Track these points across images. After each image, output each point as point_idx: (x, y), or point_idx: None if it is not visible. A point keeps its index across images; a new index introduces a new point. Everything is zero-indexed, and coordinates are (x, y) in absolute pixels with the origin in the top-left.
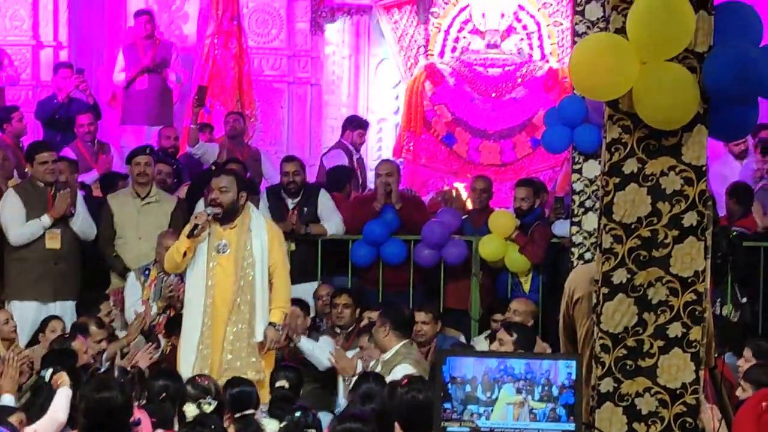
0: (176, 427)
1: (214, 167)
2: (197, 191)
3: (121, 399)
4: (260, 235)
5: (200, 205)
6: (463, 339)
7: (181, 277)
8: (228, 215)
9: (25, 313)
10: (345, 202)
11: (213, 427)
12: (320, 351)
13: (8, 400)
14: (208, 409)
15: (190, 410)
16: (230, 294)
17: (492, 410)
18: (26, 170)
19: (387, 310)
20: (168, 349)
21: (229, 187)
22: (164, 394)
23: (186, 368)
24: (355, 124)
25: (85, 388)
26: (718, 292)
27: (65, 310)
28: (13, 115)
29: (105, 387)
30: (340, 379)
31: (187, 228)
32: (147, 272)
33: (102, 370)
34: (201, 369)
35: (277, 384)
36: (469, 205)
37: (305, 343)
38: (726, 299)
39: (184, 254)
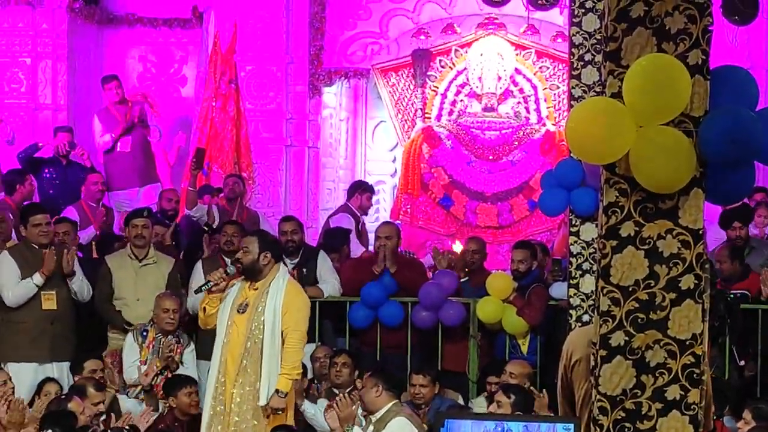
0: None
1: (206, 228)
2: (194, 253)
3: None
4: (276, 297)
5: (198, 267)
6: (461, 400)
7: (179, 338)
8: (251, 275)
9: (22, 375)
10: (342, 263)
11: None
12: (321, 416)
13: None
14: None
15: None
16: (237, 355)
17: None
18: (21, 233)
19: (377, 371)
20: (166, 411)
21: (250, 248)
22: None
23: (203, 424)
24: (363, 188)
25: None
26: (717, 355)
27: (62, 370)
28: (27, 177)
29: None
30: None
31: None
32: (145, 333)
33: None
34: (215, 426)
35: None
36: None
37: (308, 408)
38: (724, 362)
39: (204, 310)
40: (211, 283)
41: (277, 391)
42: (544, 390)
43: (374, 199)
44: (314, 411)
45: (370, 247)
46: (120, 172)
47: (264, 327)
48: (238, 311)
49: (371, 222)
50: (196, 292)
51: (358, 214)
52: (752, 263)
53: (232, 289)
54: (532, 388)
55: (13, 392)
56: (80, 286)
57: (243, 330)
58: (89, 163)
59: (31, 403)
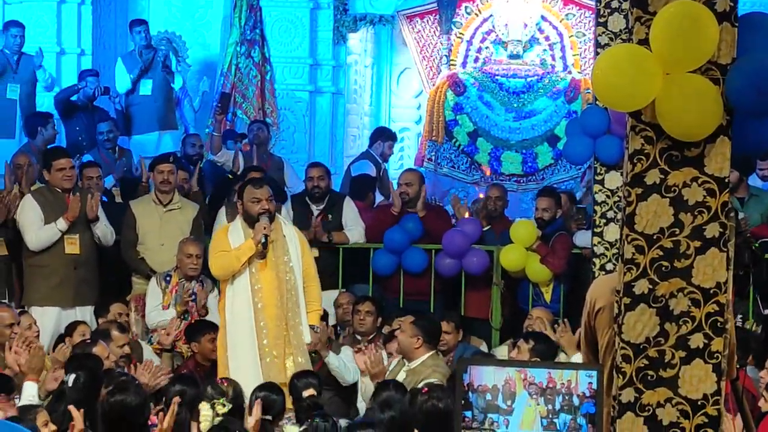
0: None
1: (230, 176)
2: (218, 198)
3: (137, 401)
4: (294, 241)
5: (222, 212)
6: (485, 347)
7: (202, 283)
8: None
9: (46, 319)
10: (367, 210)
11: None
12: (345, 367)
13: (30, 387)
14: (221, 410)
15: (204, 410)
16: (276, 299)
17: (512, 419)
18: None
19: (420, 321)
20: (188, 355)
21: (272, 196)
22: (181, 401)
23: (248, 374)
24: (386, 136)
25: (101, 392)
26: (741, 305)
27: (84, 315)
28: (49, 120)
29: (121, 390)
30: (360, 386)
31: (257, 239)
32: (168, 278)
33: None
34: (271, 375)
35: (305, 393)
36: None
37: (333, 359)
38: (748, 312)
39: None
40: (266, 237)
41: (313, 327)
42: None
43: (398, 146)
44: (338, 363)
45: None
46: (140, 115)
47: (294, 269)
48: (257, 258)
49: (395, 169)
50: (264, 247)
51: (380, 161)
52: (753, 213)
53: (233, 236)
54: (564, 321)
55: (38, 336)
56: (104, 231)
57: (272, 275)
58: (120, 107)
59: (54, 347)
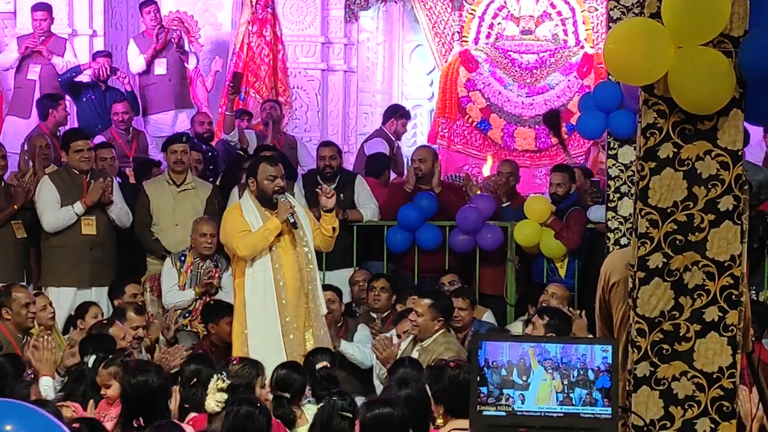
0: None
1: (243, 153)
2: (231, 176)
3: (159, 382)
4: (304, 218)
5: (235, 192)
6: (489, 316)
7: (217, 263)
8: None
9: (62, 299)
10: (382, 188)
11: (258, 405)
12: (361, 352)
13: (47, 382)
14: (221, 385)
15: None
16: (296, 274)
17: (527, 394)
18: (62, 158)
19: (437, 302)
20: (203, 336)
21: (284, 174)
22: (195, 379)
23: (271, 351)
24: (400, 114)
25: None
26: (756, 277)
27: (100, 296)
28: (60, 102)
29: (142, 370)
30: (375, 367)
31: (281, 217)
32: (183, 258)
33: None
34: (294, 350)
35: (318, 365)
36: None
37: (346, 347)
38: (763, 284)
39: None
40: (293, 215)
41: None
42: (582, 311)
43: (411, 123)
44: (353, 350)
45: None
46: (155, 95)
47: (309, 243)
48: (285, 233)
49: (408, 146)
50: (295, 226)
51: (393, 139)
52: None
53: (249, 215)
54: (570, 309)
55: (53, 317)
56: (119, 213)
57: (291, 252)
58: (130, 87)
59: (66, 329)
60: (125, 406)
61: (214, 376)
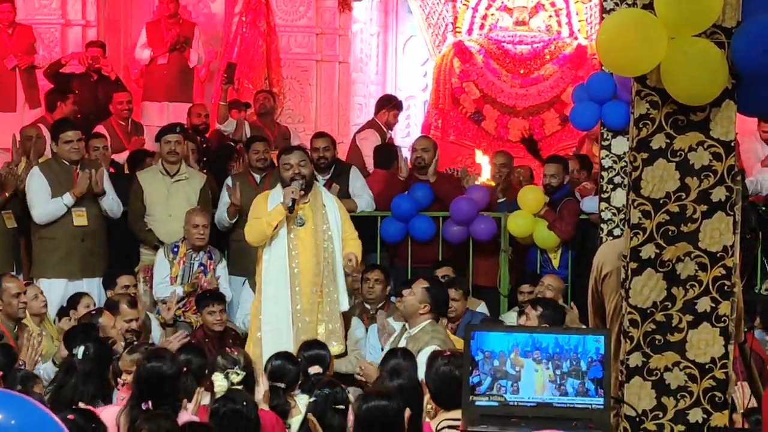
0: (203, 401)
1: (232, 143)
2: (221, 167)
3: (172, 369)
4: (334, 210)
5: (228, 182)
6: (483, 307)
7: (210, 254)
8: (307, 188)
9: (53, 291)
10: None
11: (245, 403)
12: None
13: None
14: (235, 379)
15: (218, 380)
16: (313, 265)
17: (520, 384)
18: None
19: (433, 289)
20: (197, 326)
21: (306, 161)
22: (185, 369)
23: (280, 339)
24: (393, 105)
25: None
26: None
27: (92, 287)
28: (69, 96)
29: (156, 357)
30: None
31: (285, 202)
32: (176, 249)
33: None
34: (301, 338)
35: (311, 370)
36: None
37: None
38: (756, 274)
39: (275, 227)
40: (297, 200)
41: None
42: (572, 303)
43: (405, 114)
44: (345, 367)
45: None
46: (153, 84)
47: (333, 237)
48: (296, 224)
49: (402, 137)
50: (291, 211)
51: (385, 130)
52: None
53: (273, 203)
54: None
55: (45, 306)
56: (110, 204)
57: (310, 242)
58: (113, 75)
59: (60, 318)
60: (136, 389)
61: (230, 370)
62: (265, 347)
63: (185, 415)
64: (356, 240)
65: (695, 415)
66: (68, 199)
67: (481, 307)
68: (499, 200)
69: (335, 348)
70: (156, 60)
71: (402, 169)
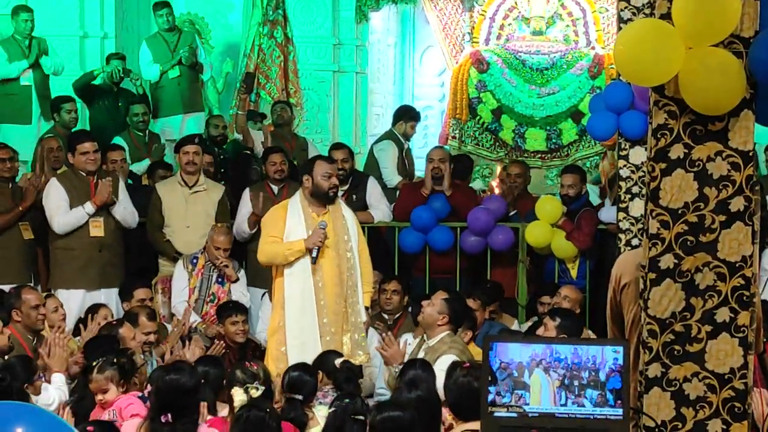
0: (221, 413)
1: (247, 152)
2: (240, 178)
3: (191, 381)
4: (351, 220)
5: (246, 194)
6: (517, 326)
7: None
8: (330, 201)
9: (71, 302)
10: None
11: (268, 410)
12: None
13: (59, 378)
14: (255, 394)
15: (238, 395)
16: (335, 276)
17: (539, 396)
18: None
19: (452, 301)
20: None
21: (333, 172)
22: (203, 381)
23: (308, 352)
24: (410, 116)
25: (156, 371)
26: None
27: (110, 297)
28: (64, 105)
29: (175, 369)
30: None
31: (309, 244)
32: (195, 261)
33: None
34: (326, 346)
35: (338, 361)
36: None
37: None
38: None
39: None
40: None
41: (366, 308)
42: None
43: (422, 124)
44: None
45: (420, 173)
46: (166, 98)
47: (353, 248)
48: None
49: (420, 147)
50: (314, 262)
51: (402, 141)
52: None
53: (292, 218)
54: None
55: (64, 319)
56: (122, 214)
57: (333, 254)
58: (142, 89)
59: (76, 330)
60: (155, 402)
61: (249, 385)
62: (291, 362)
63: (203, 429)
64: (368, 268)
65: (714, 426)
66: (89, 207)
67: (515, 326)
68: (511, 213)
69: (362, 358)
70: (166, 73)
71: (426, 183)
